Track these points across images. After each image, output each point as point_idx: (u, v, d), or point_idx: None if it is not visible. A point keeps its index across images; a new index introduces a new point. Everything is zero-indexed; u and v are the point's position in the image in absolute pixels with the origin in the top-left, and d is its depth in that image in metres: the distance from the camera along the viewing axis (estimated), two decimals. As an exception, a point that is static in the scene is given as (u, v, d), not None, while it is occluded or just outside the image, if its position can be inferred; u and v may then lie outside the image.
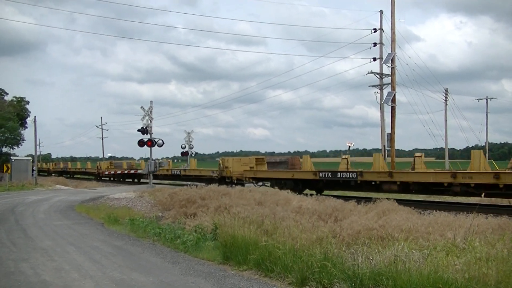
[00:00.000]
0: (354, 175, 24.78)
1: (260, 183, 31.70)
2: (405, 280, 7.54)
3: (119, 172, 57.42)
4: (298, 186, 27.89)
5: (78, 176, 73.13)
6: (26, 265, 11.29)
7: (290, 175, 29.35)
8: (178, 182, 43.14)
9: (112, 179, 58.42)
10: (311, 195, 20.77)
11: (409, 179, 22.16)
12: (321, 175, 26.62)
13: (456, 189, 20.04)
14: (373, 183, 24.25)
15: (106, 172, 58.73)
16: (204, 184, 31.87)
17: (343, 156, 27.15)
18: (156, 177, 42.02)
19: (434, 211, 16.04)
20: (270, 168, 33.19)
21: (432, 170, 23.78)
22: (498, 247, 8.58)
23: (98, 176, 62.31)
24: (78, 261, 11.69)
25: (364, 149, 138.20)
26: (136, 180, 54.24)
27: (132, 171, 55.21)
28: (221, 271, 10.53)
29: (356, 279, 8.07)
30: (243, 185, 32.57)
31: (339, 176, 25.72)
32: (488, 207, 18.64)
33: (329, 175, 26.30)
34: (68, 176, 72.78)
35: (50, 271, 10.63)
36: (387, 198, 17.46)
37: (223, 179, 35.07)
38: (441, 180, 20.52)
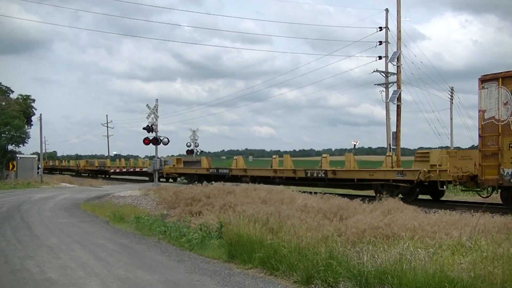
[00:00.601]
0: (227, 171, 34.67)
1: (181, 177, 42.75)
2: (410, 278, 7.52)
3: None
4: (201, 179, 34.97)
5: (66, 173, 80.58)
6: (32, 262, 11.31)
7: (194, 171, 38.85)
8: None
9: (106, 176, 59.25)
10: (316, 193, 20.75)
11: (255, 174, 32.14)
12: (211, 171, 36.41)
13: (276, 180, 29.50)
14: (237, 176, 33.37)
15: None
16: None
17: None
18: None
19: (440, 210, 16.01)
20: (185, 166, 40.96)
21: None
22: (504, 246, 8.55)
23: (77, 173, 73.87)
24: (84, 259, 11.71)
25: (370, 148, 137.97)
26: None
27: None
28: (227, 269, 10.53)
29: (362, 278, 8.06)
30: (175, 180, 44.76)
31: (221, 172, 35.28)
32: (495, 206, 18.58)
33: (215, 171, 36.04)
34: (57, 172, 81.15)
35: (56, 268, 10.65)
36: (392, 197, 17.43)
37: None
38: (268, 174, 30.76)
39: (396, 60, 37.27)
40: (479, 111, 17.56)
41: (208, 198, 20.20)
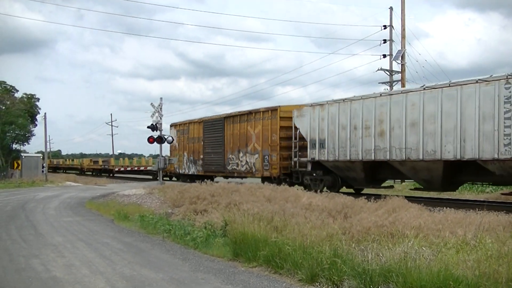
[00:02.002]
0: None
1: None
2: (415, 277, 7.52)
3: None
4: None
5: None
6: (37, 261, 11.35)
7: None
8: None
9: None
10: (321, 191, 20.75)
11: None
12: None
13: None
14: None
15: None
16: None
17: None
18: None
19: (445, 208, 15.98)
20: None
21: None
22: (509, 244, 8.54)
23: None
24: (89, 257, 11.74)
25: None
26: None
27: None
28: (231, 267, 10.55)
29: (366, 276, 8.06)
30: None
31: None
32: (499, 205, 18.54)
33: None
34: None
35: (61, 267, 10.68)
36: (397, 195, 17.41)
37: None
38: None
39: (400, 58, 37.28)
40: None
41: (213, 197, 20.20)
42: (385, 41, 40.42)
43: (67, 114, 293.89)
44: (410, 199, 17.79)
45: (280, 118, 28.81)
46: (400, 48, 37.91)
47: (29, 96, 70.84)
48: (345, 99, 24.40)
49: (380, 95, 22.79)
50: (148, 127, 35.96)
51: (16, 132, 62.52)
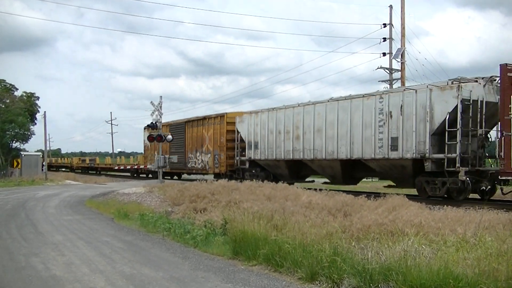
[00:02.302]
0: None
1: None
2: (415, 275, 7.52)
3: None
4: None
5: (62, 169, 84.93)
6: (37, 260, 11.34)
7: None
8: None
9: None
10: (320, 190, 20.75)
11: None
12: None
13: None
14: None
15: (100, 167, 64.37)
16: None
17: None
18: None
19: (445, 206, 15.99)
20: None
21: None
22: (509, 243, 8.55)
23: (71, 169, 78.65)
24: (88, 256, 11.74)
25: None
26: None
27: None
28: (231, 266, 10.56)
29: (366, 274, 8.06)
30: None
31: None
32: (499, 203, 18.56)
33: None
34: (54, 169, 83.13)
35: (61, 265, 10.68)
36: (397, 194, 17.42)
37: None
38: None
39: (400, 56, 37.28)
40: None
41: (213, 195, 20.21)
42: (385, 39, 40.40)
43: (67, 113, 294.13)
44: (410, 197, 17.80)
45: (227, 123, 35.47)
46: (400, 47, 37.90)
47: (29, 94, 70.90)
48: (274, 108, 30.45)
49: (298, 105, 28.54)
50: (148, 125, 36.04)
51: (16, 130, 62.58)
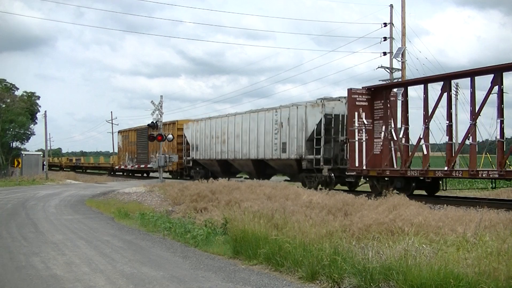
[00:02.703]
0: None
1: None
2: (415, 274, 7.52)
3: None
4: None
5: (53, 168, 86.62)
6: (37, 259, 11.35)
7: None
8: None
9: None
10: (321, 189, 20.76)
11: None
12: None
13: None
14: None
15: (85, 165, 66.07)
16: None
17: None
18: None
19: (445, 205, 15.98)
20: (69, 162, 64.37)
21: None
22: (509, 242, 8.53)
23: (61, 168, 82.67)
24: (89, 255, 11.75)
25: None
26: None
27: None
28: (231, 265, 10.56)
29: (366, 274, 8.06)
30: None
31: None
32: (499, 202, 18.56)
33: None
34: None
35: (61, 265, 10.68)
36: (397, 193, 17.42)
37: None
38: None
39: (400, 56, 37.24)
40: None
41: (213, 194, 20.22)
42: (385, 38, 40.36)
43: (68, 112, 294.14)
44: (411, 196, 17.79)
45: (177, 129, 43.07)
46: (400, 46, 37.89)
47: (29, 94, 70.99)
48: (210, 117, 38.41)
49: (226, 115, 36.43)
50: (148, 125, 36.08)
51: (17, 130, 62.62)
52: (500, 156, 18.22)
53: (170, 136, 36.25)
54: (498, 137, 18.14)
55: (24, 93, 70.87)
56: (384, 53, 40.63)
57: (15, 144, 66.67)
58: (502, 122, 18.08)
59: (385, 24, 40.34)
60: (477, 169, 19.37)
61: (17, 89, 70.29)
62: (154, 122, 35.31)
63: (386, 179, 22.68)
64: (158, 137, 34.34)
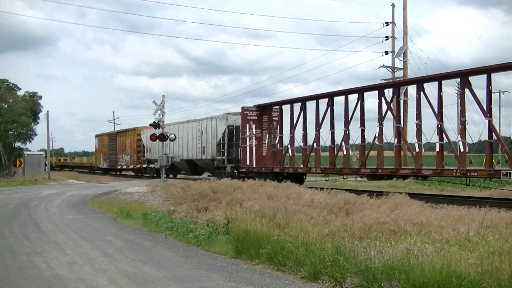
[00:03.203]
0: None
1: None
2: (417, 274, 7.51)
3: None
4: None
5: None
6: (39, 259, 11.36)
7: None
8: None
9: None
10: (321, 189, 20.76)
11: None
12: None
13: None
14: None
15: (71, 164, 67.02)
16: None
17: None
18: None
19: (447, 205, 15.98)
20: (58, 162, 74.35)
21: None
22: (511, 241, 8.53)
23: (51, 167, 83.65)
24: (91, 255, 11.75)
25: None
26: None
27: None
28: (234, 265, 10.55)
29: (369, 273, 8.06)
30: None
31: None
32: (502, 201, 18.55)
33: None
34: None
35: (63, 265, 10.69)
36: (399, 192, 17.42)
37: None
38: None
39: (402, 55, 37.23)
40: None
41: (215, 194, 20.21)
42: (387, 38, 40.34)
43: (69, 112, 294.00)
44: (412, 196, 17.79)
45: (137, 134, 53.65)
46: (402, 45, 37.88)
47: (32, 94, 71.06)
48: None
49: (169, 124, 45.11)
50: (150, 124, 36.10)
51: (19, 130, 62.67)
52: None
53: (172, 136, 36.31)
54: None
55: (26, 93, 71.01)
56: (386, 52, 40.61)
57: (17, 144, 66.76)
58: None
59: (387, 24, 40.33)
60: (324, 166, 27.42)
61: (19, 89, 70.43)
62: (156, 121, 35.34)
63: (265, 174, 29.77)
64: (160, 136, 34.38)
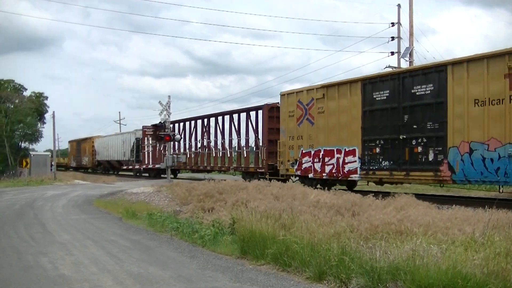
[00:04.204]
0: None
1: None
2: (423, 274, 7.49)
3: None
4: None
5: None
6: (45, 259, 11.38)
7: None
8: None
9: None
10: (328, 189, 20.72)
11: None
12: None
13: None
14: None
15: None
16: None
17: None
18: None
19: (453, 205, 15.92)
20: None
21: None
22: (518, 242, 8.50)
23: None
24: (96, 255, 11.77)
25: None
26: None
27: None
28: (239, 265, 10.56)
29: (374, 274, 8.04)
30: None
31: None
32: (508, 202, 18.47)
33: None
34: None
35: (69, 265, 10.70)
36: (405, 193, 17.38)
37: None
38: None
39: (408, 55, 37.18)
40: None
41: (221, 194, 20.20)
42: (393, 38, 40.29)
43: (75, 112, 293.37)
44: (419, 196, 17.75)
45: (92, 142, 71.48)
46: (408, 45, 37.83)
47: (38, 94, 71.24)
48: (104, 136, 70.22)
49: (107, 136, 68.20)
50: (156, 125, 36.19)
51: (25, 131, 62.81)
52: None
53: (178, 136, 36.45)
54: None
55: (33, 94, 71.21)
56: (392, 53, 40.54)
57: (23, 144, 66.93)
58: None
59: (393, 24, 40.28)
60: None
61: (25, 89, 70.66)
62: (162, 122, 35.38)
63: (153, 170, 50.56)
64: (166, 137, 34.42)
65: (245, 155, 35.06)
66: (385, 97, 21.70)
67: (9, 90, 65.28)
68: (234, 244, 11.96)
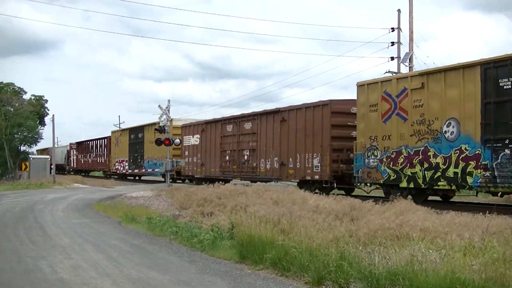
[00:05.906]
0: None
1: None
2: (421, 280, 7.51)
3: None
4: None
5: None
6: (44, 262, 11.39)
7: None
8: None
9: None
10: (327, 194, 20.73)
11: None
12: None
13: None
14: None
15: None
16: None
17: None
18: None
19: (452, 211, 15.93)
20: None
21: None
22: (516, 248, 8.52)
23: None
24: (96, 259, 11.78)
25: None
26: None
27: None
28: (238, 270, 10.56)
29: (373, 279, 8.06)
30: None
31: None
32: (507, 207, 18.48)
33: None
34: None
35: (68, 269, 10.72)
36: (404, 198, 17.39)
37: None
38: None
39: (408, 61, 37.16)
40: None
41: (220, 199, 20.19)
42: (393, 43, 40.29)
43: (75, 116, 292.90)
44: (418, 202, 17.75)
45: (69, 147, 79.42)
46: (408, 51, 37.83)
47: (38, 97, 71.11)
48: (57, 147, 79.43)
49: (62, 146, 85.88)
50: (156, 129, 36.14)
51: (25, 134, 62.72)
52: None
53: (178, 140, 36.33)
54: None
55: (32, 97, 71.08)
56: (392, 58, 40.51)
57: (23, 148, 66.84)
58: None
59: (393, 29, 40.28)
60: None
61: (25, 92, 70.47)
62: (162, 126, 35.37)
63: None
64: (165, 141, 34.43)
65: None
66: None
67: (8, 93, 65.14)
68: (233, 249, 11.98)
